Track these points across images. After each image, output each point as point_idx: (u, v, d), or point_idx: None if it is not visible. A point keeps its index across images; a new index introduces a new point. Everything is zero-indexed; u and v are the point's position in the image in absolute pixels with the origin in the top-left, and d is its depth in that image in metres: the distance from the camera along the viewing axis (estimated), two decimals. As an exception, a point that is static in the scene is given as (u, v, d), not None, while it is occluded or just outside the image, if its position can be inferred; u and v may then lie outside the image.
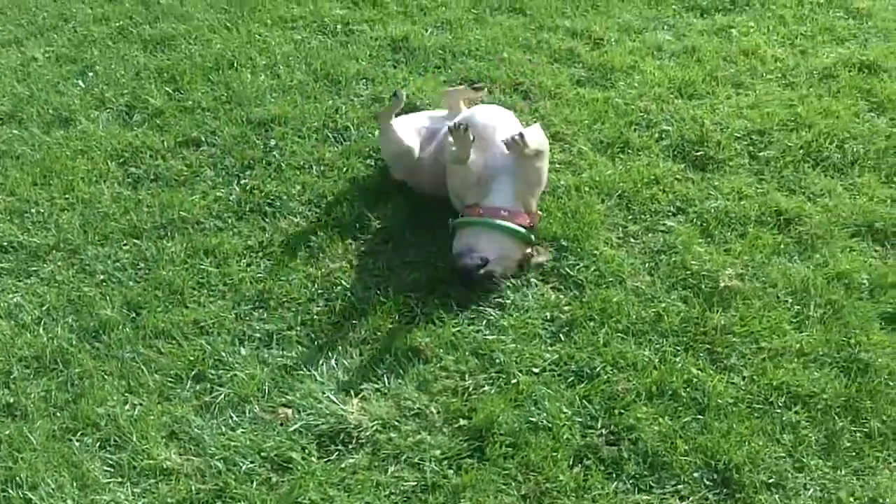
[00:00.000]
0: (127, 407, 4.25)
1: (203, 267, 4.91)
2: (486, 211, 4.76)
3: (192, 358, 4.45)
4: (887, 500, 3.83)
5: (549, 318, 4.58)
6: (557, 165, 5.45)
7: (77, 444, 4.11)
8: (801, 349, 4.41)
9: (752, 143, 5.65)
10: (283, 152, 5.60)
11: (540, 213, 4.97)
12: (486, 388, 4.27)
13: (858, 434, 4.09)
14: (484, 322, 4.56)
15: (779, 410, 4.16)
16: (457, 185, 4.91)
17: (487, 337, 4.48)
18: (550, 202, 5.14)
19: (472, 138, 4.74)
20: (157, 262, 4.96)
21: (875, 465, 3.98)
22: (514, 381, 4.27)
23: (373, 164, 5.52)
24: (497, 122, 5.00)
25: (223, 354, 4.45)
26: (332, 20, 6.85)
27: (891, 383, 4.27)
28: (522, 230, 4.75)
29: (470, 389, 4.26)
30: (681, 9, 7.02)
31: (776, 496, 3.85)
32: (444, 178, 4.99)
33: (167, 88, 6.19)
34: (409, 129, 5.24)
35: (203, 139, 5.74)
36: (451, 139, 4.83)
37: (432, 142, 5.19)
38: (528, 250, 4.79)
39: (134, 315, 4.69)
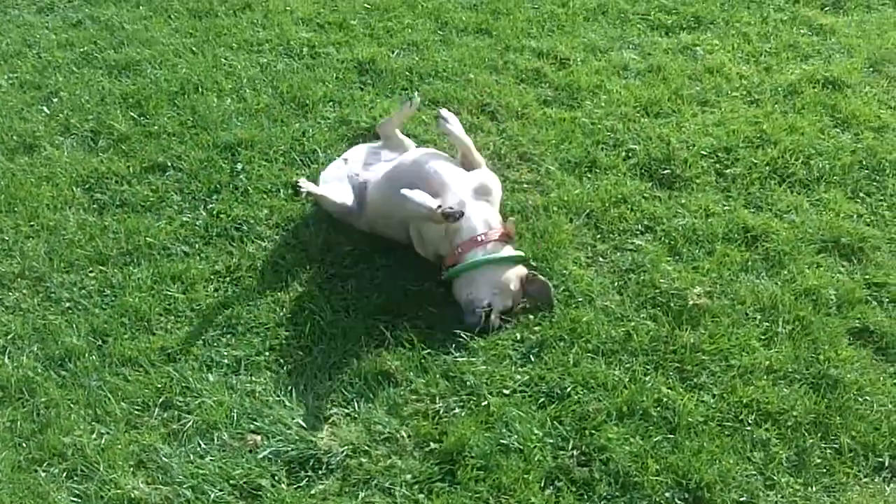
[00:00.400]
0: (94, 436, 4.19)
1: (170, 293, 4.86)
2: (463, 247, 4.72)
3: (159, 385, 4.40)
4: (858, 516, 3.85)
5: (518, 338, 4.57)
6: (525, 185, 5.46)
7: (43, 474, 4.05)
8: (770, 366, 4.42)
9: (718, 161, 5.68)
10: (249, 176, 5.57)
11: (511, 217, 4.99)
12: (457, 410, 4.25)
13: (829, 450, 4.10)
14: (454, 344, 4.54)
15: (749, 428, 4.16)
16: (429, 241, 4.84)
17: (458, 359, 4.47)
18: (519, 222, 5.13)
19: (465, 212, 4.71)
20: (124, 289, 4.90)
21: (846, 481, 3.99)
22: (485, 403, 4.26)
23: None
24: (438, 164, 4.97)
25: (191, 381, 4.40)
26: (298, 43, 6.83)
27: (860, 399, 4.29)
28: (503, 255, 4.72)
29: (440, 412, 4.24)
30: (646, 28, 7.05)
31: (748, 515, 3.86)
32: (396, 226, 4.97)
33: (132, 114, 6.14)
34: (340, 188, 5.22)
35: (169, 164, 5.70)
36: (409, 196, 4.73)
37: (365, 192, 5.16)
38: (521, 271, 4.75)
39: (100, 343, 4.64)
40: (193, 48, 6.82)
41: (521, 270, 4.75)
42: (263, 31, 6.98)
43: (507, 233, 4.81)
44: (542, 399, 4.29)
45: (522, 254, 4.84)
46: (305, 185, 5.02)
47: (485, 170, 5.09)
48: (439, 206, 4.61)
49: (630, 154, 5.74)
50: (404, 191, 4.70)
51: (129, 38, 6.98)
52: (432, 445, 4.10)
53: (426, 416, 4.22)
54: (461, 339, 4.54)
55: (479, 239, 4.71)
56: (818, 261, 5.00)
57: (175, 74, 6.51)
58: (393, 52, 6.74)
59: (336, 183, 5.25)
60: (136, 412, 4.31)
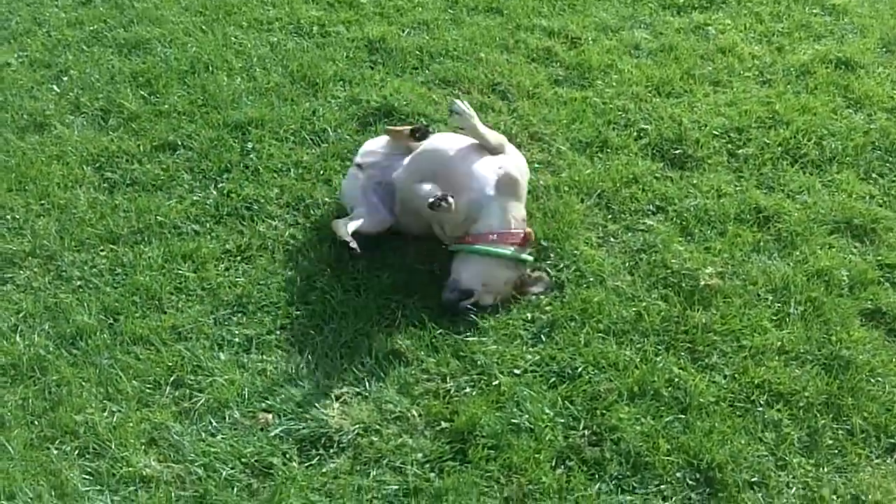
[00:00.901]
0: (105, 414, 4.20)
1: (181, 272, 4.86)
2: (473, 237, 4.68)
3: (170, 364, 4.40)
4: (869, 497, 3.84)
5: (529, 318, 4.57)
6: (536, 165, 5.44)
7: (55, 452, 4.06)
8: (781, 347, 4.41)
9: (730, 141, 5.66)
10: (260, 155, 5.56)
11: (530, 229, 4.82)
12: (468, 390, 4.25)
13: (840, 431, 4.10)
14: (464, 323, 4.54)
15: (760, 409, 4.16)
16: (447, 229, 4.79)
17: (468, 339, 4.46)
18: (530, 202, 5.11)
19: (453, 206, 4.59)
20: (135, 268, 4.90)
21: (857, 462, 3.99)
22: (496, 382, 4.26)
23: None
24: (460, 152, 4.87)
25: (202, 360, 4.40)
26: (308, 22, 6.80)
27: (872, 380, 4.29)
28: (508, 252, 4.65)
29: (451, 392, 4.24)
30: (657, 7, 7.01)
31: (759, 495, 3.86)
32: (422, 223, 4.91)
33: (142, 92, 6.13)
34: (371, 213, 4.96)
35: (179, 143, 5.68)
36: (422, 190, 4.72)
37: (394, 194, 4.99)
38: (522, 273, 4.70)
39: (111, 321, 4.63)
40: (203, 27, 6.79)
41: (519, 272, 4.69)
42: (273, 10, 6.95)
43: (526, 237, 4.72)
44: (553, 379, 4.30)
45: (530, 257, 4.77)
46: (348, 236, 4.77)
47: (509, 157, 4.92)
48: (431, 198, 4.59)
49: (641, 134, 5.72)
50: (414, 186, 4.71)
51: (139, 16, 6.96)
52: (443, 424, 4.10)
53: (437, 395, 4.23)
54: (472, 319, 4.54)
55: (490, 237, 4.64)
56: (830, 241, 4.99)
57: (185, 53, 6.49)
58: (403, 31, 6.71)
59: (362, 204, 4.98)
60: (147, 390, 4.31)
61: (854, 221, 5.10)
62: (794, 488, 3.89)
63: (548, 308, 4.61)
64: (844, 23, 6.87)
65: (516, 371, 4.33)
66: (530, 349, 4.42)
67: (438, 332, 4.49)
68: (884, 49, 6.60)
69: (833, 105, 5.98)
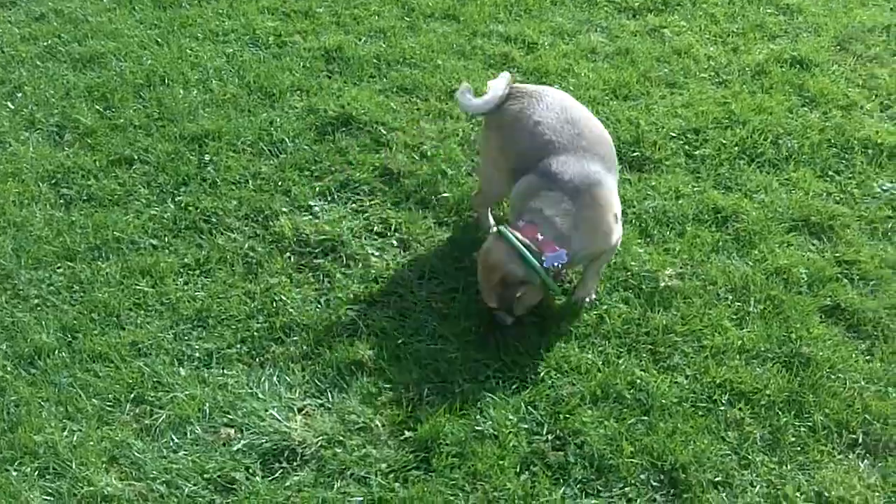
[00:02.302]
0: (65, 433, 4.15)
1: (139, 287, 4.82)
2: (524, 231, 4.31)
3: (130, 381, 4.36)
4: (833, 493, 3.86)
5: (490, 324, 4.56)
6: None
7: (15, 473, 4.01)
8: (742, 346, 4.43)
9: (687, 142, 5.68)
10: (217, 167, 5.52)
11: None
12: (431, 398, 4.24)
13: (802, 428, 4.12)
14: (427, 332, 4.53)
15: (723, 408, 4.18)
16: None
17: (430, 347, 4.46)
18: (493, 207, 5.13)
19: None
20: (93, 284, 4.85)
21: (820, 458, 4.01)
22: (459, 390, 4.25)
23: (309, 174, 5.46)
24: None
25: (162, 376, 4.37)
26: (265, 32, 6.77)
27: (832, 376, 4.31)
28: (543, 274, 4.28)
29: (414, 401, 4.23)
30: (613, 10, 7.04)
31: (723, 495, 3.87)
32: None
33: (98, 107, 6.08)
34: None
35: (136, 157, 5.64)
36: None
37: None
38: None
39: (70, 339, 4.59)
40: (158, 39, 6.75)
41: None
42: (229, 21, 6.92)
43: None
44: (515, 384, 4.29)
45: (558, 289, 4.52)
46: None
47: None
48: None
49: (599, 137, 5.72)
50: None
51: (94, 30, 6.90)
52: (407, 434, 4.09)
53: (400, 404, 4.21)
54: (434, 327, 4.53)
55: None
56: (789, 240, 5.02)
57: (140, 66, 6.45)
58: (360, 40, 6.69)
59: None
60: (107, 408, 4.27)
61: (811, 219, 5.13)
62: (758, 487, 3.91)
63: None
64: (798, 22, 6.92)
65: (479, 378, 4.32)
66: (492, 355, 4.41)
67: (400, 341, 4.48)
68: (838, 47, 6.65)
69: (789, 104, 6.02)
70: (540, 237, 4.28)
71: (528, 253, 4.24)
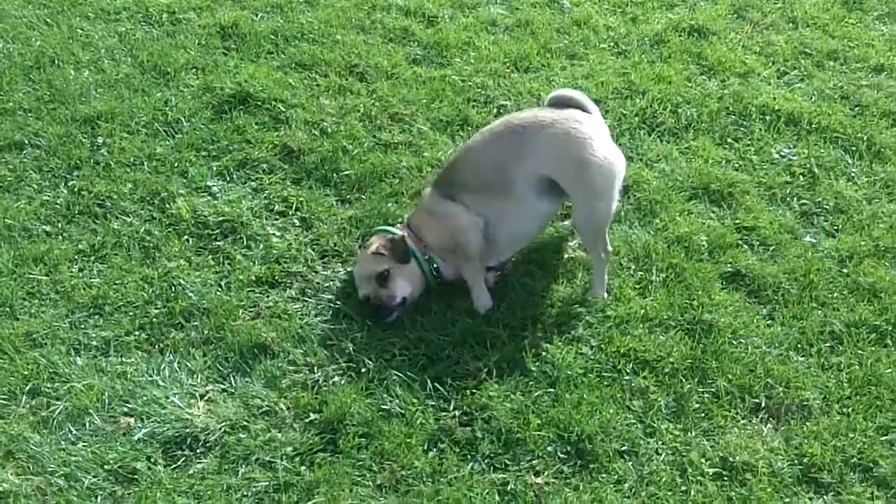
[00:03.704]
0: (-42, 429, 4.02)
1: (33, 275, 4.67)
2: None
3: (25, 372, 4.23)
4: (737, 457, 3.91)
5: (395, 303, 4.51)
6: (398, 146, 5.39)
7: None
8: (645, 314, 4.46)
9: (588, 113, 5.68)
10: (111, 150, 5.38)
11: None
12: (337, 378, 4.19)
13: (706, 395, 4.16)
14: (331, 312, 4.47)
15: (627, 377, 4.20)
16: None
17: (335, 327, 4.40)
18: (394, 184, 5.08)
19: None
20: (-16, 274, 4.70)
21: (724, 424, 4.05)
22: (364, 369, 4.20)
23: (206, 154, 5.34)
24: None
25: (59, 366, 4.24)
26: (157, 9, 6.61)
27: (734, 342, 4.36)
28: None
29: (320, 382, 4.18)
30: (512, -18, 7.01)
31: (629, 463, 3.89)
32: None
33: (-15, 90, 5.89)
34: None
35: (26, 141, 5.46)
36: None
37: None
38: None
39: (-39, 331, 4.44)
40: (48, 19, 6.55)
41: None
42: (120, -1, 6.74)
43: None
44: (422, 361, 4.26)
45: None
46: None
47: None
48: None
49: (501, 110, 5.70)
50: None
51: (-21, 11, 6.67)
52: (312, 416, 4.03)
53: (305, 386, 4.15)
54: (337, 307, 4.47)
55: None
56: (689, 208, 5.05)
57: (29, 48, 6.25)
58: (256, 16, 6.57)
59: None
60: (2, 401, 4.14)
61: (711, 187, 5.18)
62: (664, 454, 3.93)
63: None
64: (695, -10, 6.98)
65: (385, 356, 4.28)
66: (398, 333, 4.37)
67: (304, 322, 4.41)
68: (735, 15, 6.72)
69: (687, 73, 6.06)
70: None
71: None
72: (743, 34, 6.48)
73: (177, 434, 3.98)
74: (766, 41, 6.42)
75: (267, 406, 4.08)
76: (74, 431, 4.01)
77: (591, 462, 3.88)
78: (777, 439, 4.00)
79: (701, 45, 6.32)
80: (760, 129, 5.61)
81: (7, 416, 4.08)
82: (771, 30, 6.55)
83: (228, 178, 5.21)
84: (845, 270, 4.73)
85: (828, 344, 4.40)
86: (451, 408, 4.07)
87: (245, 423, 4.01)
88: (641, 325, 4.41)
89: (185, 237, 4.86)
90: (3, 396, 4.16)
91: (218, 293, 4.56)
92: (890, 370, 4.23)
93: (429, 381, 4.16)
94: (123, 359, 4.29)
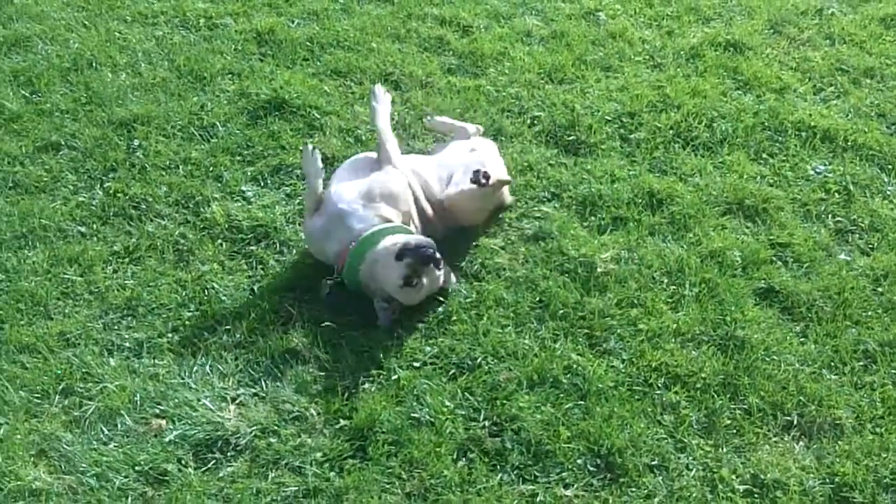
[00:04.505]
0: (-9, 427, 4.05)
1: (67, 276, 4.71)
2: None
3: (58, 372, 4.25)
4: (768, 475, 3.88)
5: (426, 311, 4.51)
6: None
7: (-61, 469, 3.90)
8: (678, 329, 4.44)
9: (622, 126, 5.69)
10: (147, 153, 5.42)
11: None
12: (367, 385, 4.19)
13: (738, 411, 4.13)
14: (362, 319, 4.48)
15: (658, 392, 4.18)
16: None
17: (366, 334, 4.40)
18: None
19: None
20: (19, 274, 4.73)
21: (755, 441, 4.03)
22: (395, 377, 4.21)
23: (241, 159, 5.37)
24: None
25: (91, 366, 4.27)
26: (195, 14, 6.66)
27: (767, 359, 4.33)
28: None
29: (350, 388, 4.18)
30: (548, -7, 7.02)
31: (659, 478, 3.87)
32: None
33: (24, 92, 5.93)
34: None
35: (63, 143, 5.51)
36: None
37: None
38: None
39: (-5, 330, 4.48)
40: (86, 22, 6.61)
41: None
42: (158, 3, 6.79)
43: None
44: (452, 370, 4.26)
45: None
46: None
47: (384, 171, 4.80)
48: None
49: (535, 121, 5.71)
50: None
51: (19, 13, 6.74)
52: (342, 422, 4.04)
53: (335, 392, 4.15)
54: (370, 314, 4.47)
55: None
56: (723, 223, 5.04)
57: (67, 50, 6.31)
58: (293, 22, 6.61)
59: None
60: (35, 400, 4.16)
61: (746, 202, 5.16)
62: (694, 470, 3.91)
63: (444, 300, 4.57)
64: (732, 5, 6.96)
65: (415, 364, 4.28)
66: (428, 342, 4.38)
67: (335, 328, 4.42)
68: (771, 30, 6.70)
69: (723, 87, 6.05)
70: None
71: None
72: (779, 50, 6.45)
73: (207, 437, 3.99)
74: (802, 57, 6.39)
75: (297, 411, 4.08)
76: (106, 432, 4.03)
77: (621, 476, 3.87)
78: (809, 457, 3.97)
79: (737, 59, 6.31)
80: (796, 146, 5.59)
81: (40, 414, 4.11)
82: (807, 46, 6.52)
83: (262, 184, 5.24)
84: (880, 289, 4.70)
85: (861, 363, 4.36)
86: (481, 418, 4.07)
87: (275, 427, 4.02)
88: (673, 340, 4.39)
89: (219, 241, 4.88)
90: (36, 395, 4.18)
91: (250, 297, 4.57)
92: (924, 391, 4.20)
93: (459, 391, 4.15)
94: (156, 360, 4.31)
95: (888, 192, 5.29)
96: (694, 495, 3.81)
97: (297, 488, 3.81)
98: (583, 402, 4.11)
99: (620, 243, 4.88)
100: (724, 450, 3.99)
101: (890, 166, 5.46)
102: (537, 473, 3.88)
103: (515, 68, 6.16)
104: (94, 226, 5.00)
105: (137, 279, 4.69)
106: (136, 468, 3.88)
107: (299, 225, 4.93)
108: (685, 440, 4.00)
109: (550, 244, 4.84)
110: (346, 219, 4.56)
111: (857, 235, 5.04)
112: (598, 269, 4.71)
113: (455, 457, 3.93)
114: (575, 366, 4.26)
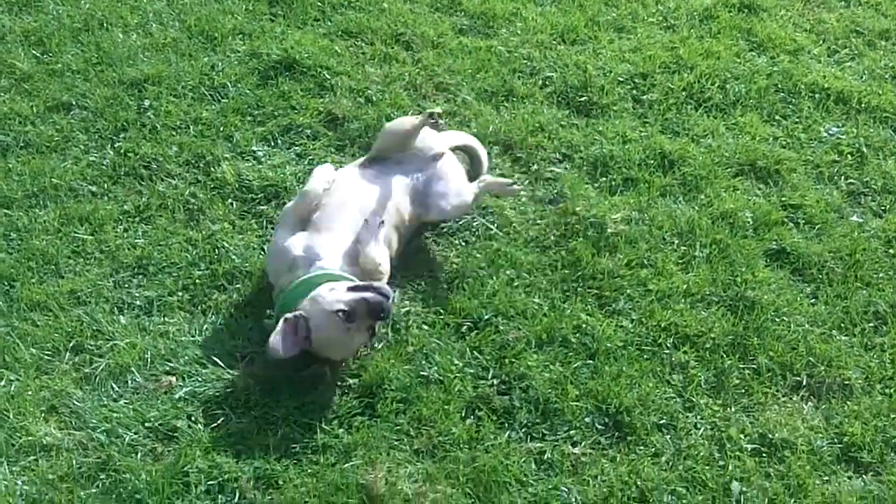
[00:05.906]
0: (2, 383, 4.06)
1: (78, 235, 4.72)
2: None
3: (69, 329, 4.27)
4: (776, 434, 3.89)
5: (436, 270, 4.52)
6: (443, 117, 5.36)
7: (-50, 424, 3.93)
8: (688, 290, 4.44)
9: (635, 87, 5.66)
10: (157, 113, 5.40)
11: None
12: (376, 344, 4.20)
13: (746, 371, 4.14)
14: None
15: (667, 351, 4.18)
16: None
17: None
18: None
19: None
20: (30, 232, 4.74)
21: (763, 401, 4.03)
22: (404, 335, 4.22)
23: (251, 119, 5.36)
24: None
25: (102, 324, 4.28)
26: (206, -25, 6.63)
27: (776, 319, 4.34)
28: None
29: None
30: (561, -46, 6.96)
31: (667, 437, 3.88)
32: None
33: (34, 52, 5.92)
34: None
35: (74, 103, 5.50)
36: None
37: None
38: None
39: (7, 288, 4.47)
40: (97, -18, 6.58)
41: None
42: (169, -36, 6.76)
43: None
44: (461, 330, 4.26)
45: None
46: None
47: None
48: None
49: (547, 82, 5.68)
50: None
51: (29, -27, 6.71)
52: (351, 381, 4.06)
53: (345, 350, 4.16)
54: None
55: None
56: (735, 184, 5.02)
57: (78, 10, 6.28)
58: (304, -17, 6.57)
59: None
60: (46, 357, 4.18)
61: (758, 163, 5.14)
62: (702, 429, 3.92)
63: (455, 260, 4.57)
64: (746, -34, 6.90)
65: (425, 323, 4.29)
66: (439, 301, 4.38)
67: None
68: (785, -9, 6.64)
69: (736, 49, 6.00)
70: None
71: None
72: (794, 11, 6.39)
73: (217, 394, 4.01)
74: (817, 19, 6.33)
75: (307, 369, 4.10)
76: (116, 388, 4.06)
77: (629, 434, 3.88)
78: (817, 417, 3.98)
79: (751, 21, 6.25)
80: (809, 108, 5.56)
81: (51, 371, 4.13)
82: (822, 7, 6.46)
83: (273, 144, 5.23)
84: (891, 251, 4.69)
85: (871, 324, 4.37)
86: (490, 376, 4.08)
87: (285, 384, 4.03)
88: (683, 300, 4.39)
89: (229, 201, 4.89)
90: (47, 352, 4.20)
91: (261, 256, 4.58)
92: (934, 352, 4.19)
93: (468, 350, 4.17)
94: (166, 318, 4.32)
95: (901, 155, 5.27)
96: (702, 454, 3.82)
97: (305, 444, 3.83)
98: (591, 362, 4.12)
99: (631, 204, 4.86)
100: (733, 409, 4.00)
101: (903, 129, 5.43)
102: (545, 431, 3.90)
103: (527, 29, 6.12)
104: (105, 185, 5.00)
105: (148, 238, 4.70)
106: (146, 424, 3.91)
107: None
108: (693, 399, 4.02)
109: (562, 205, 4.83)
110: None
111: (870, 197, 5.02)
112: (609, 230, 4.70)
113: (463, 414, 3.94)
114: (584, 325, 4.26)
